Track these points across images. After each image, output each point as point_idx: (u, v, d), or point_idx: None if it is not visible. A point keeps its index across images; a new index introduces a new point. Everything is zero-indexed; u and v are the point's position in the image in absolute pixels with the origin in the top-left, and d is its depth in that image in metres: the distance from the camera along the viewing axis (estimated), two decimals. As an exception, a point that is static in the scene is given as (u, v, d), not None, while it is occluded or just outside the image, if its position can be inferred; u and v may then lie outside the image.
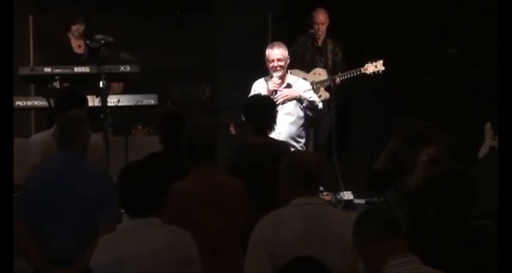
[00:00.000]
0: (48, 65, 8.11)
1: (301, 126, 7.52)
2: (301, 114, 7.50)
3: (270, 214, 4.23)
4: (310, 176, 4.22)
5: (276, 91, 7.39)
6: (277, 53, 7.40)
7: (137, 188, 4.06)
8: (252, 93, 7.25)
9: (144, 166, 4.25)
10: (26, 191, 4.94)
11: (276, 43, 7.56)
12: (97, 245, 4.06)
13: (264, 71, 7.58)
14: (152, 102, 8.35)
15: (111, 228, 4.59)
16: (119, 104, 8.23)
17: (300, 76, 8.42)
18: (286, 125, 7.35)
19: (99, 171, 5.21)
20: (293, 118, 7.45)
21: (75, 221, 4.83)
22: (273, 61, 7.39)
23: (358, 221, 3.56)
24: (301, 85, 7.59)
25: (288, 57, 7.52)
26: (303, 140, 7.52)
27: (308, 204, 4.18)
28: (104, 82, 7.69)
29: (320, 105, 7.55)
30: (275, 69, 7.39)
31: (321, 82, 8.62)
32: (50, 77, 7.89)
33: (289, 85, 7.51)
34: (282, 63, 7.40)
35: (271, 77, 7.45)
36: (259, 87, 7.43)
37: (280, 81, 7.42)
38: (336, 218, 4.23)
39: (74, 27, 8.99)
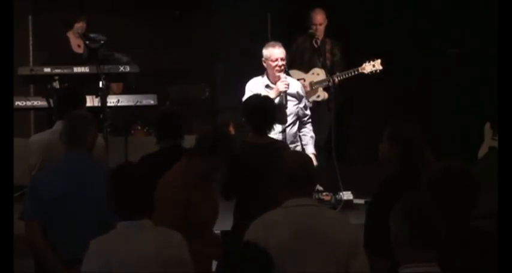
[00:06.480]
0: (47, 65, 8.11)
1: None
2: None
3: (261, 217, 4.21)
4: (299, 176, 4.17)
5: (285, 92, 7.24)
6: (280, 52, 7.24)
7: (129, 190, 3.99)
8: (249, 93, 7.02)
9: (135, 168, 4.17)
10: (37, 191, 4.91)
11: (276, 42, 7.42)
12: (87, 250, 3.97)
13: (263, 71, 7.51)
14: (152, 102, 8.34)
15: None
16: (119, 104, 8.22)
17: (298, 77, 8.41)
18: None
19: (109, 170, 5.20)
20: (294, 118, 7.37)
21: (88, 220, 4.81)
22: (277, 60, 7.21)
23: (398, 213, 3.45)
24: (296, 85, 7.48)
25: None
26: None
27: (298, 205, 4.14)
28: (104, 83, 7.69)
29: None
30: (280, 68, 7.26)
31: (320, 82, 8.62)
32: (50, 77, 7.90)
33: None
34: (284, 63, 7.31)
35: (268, 77, 7.30)
36: (257, 88, 7.20)
37: (288, 81, 7.29)
38: (327, 219, 4.18)
39: (77, 25, 8.93)
